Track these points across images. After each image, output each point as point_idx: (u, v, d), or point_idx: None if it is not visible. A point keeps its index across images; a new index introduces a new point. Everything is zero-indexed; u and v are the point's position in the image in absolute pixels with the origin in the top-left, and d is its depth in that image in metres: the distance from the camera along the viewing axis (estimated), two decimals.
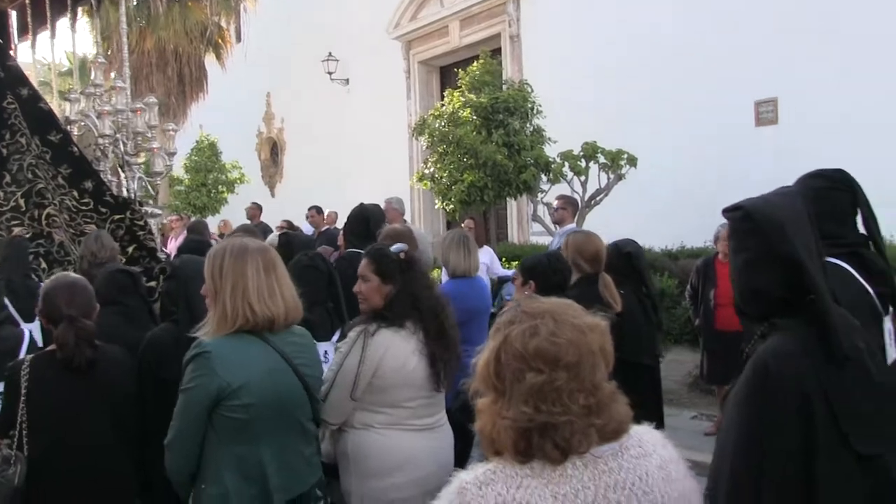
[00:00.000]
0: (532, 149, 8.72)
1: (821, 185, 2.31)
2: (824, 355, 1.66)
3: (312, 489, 2.41)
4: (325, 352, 3.44)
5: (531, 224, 9.58)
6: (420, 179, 9.52)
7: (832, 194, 2.30)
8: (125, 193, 6.13)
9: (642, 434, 1.44)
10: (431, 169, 9.23)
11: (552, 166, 8.48)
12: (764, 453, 1.62)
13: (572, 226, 6.68)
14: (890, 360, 2.08)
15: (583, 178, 8.33)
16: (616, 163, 8.21)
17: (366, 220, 5.00)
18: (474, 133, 8.71)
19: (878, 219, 2.28)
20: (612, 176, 8.30)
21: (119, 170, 6.27)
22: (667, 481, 1.38)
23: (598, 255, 3.85)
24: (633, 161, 8.22)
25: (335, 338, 3.51)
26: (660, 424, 3.81)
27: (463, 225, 8.16)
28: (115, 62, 12.49)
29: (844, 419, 1.63)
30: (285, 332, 2.39)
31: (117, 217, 5.50)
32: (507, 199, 9.40)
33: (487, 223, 10.19)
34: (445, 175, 8.94)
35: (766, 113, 9.90)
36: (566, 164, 8.36)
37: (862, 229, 2.36)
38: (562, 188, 8.23)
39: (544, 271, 3.31)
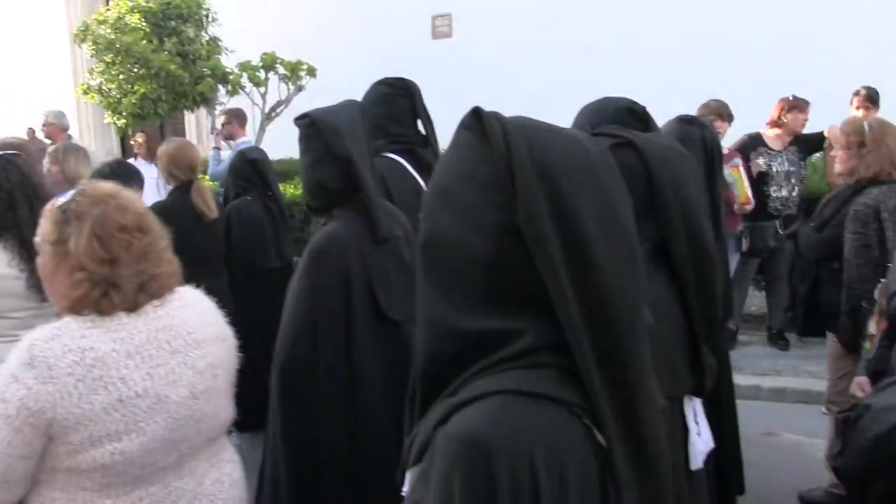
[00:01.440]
0: (208, 59, 8.41)
1: (385, 91, 2.69)
2: (369, 238, 2.01)
3: None
4: None
5: (211, 138, 9.30)
6: (86, 92, 8.71)
7: (394, 99, 2.68)
8: None
9: (184, 291, 1.70)
10: (98, 80, 8.49)
11: (230, 77, 8.27)
12: (319, 315, 1.97)
13: (245, 138, 6.66)
14: None
15: (262, 89, 8.25)
16: (295, 73, 8.24)
17: None
18: (144, 41, 8.14)
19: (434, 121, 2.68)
20: (291, 87, 8.32)
21: None
22: (205, 324, 1.67)
23: (190, 163, 3.96)
24: (312, 72, 8.30)
25: None
26: None
27: (135, 139, 7.70)
28: None
29: (378, 290, 2.00)
30: None
31: None
32: (185, 111, 9.01)
33: (163, 137, 9.65)
34: (114, 87, 8.30)
35: (441, 27, 10.50)
36: (244, 74, 8.20)
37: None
38: (241, 100, 8.10)
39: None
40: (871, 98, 5.32)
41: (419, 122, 2.79)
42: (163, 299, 1.61)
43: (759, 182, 5.15)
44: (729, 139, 5.25)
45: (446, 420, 0.85)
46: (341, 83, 9.49)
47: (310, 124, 2.02)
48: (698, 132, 2.72)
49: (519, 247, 0.84)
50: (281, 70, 8.24)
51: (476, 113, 0.91)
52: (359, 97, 2.96)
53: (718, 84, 6.29)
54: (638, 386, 0.87)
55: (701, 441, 1.65)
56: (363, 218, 2.03)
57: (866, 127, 3.31)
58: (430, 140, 2.73)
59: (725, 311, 2.92)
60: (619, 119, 2.10)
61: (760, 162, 5.15)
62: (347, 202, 2.06)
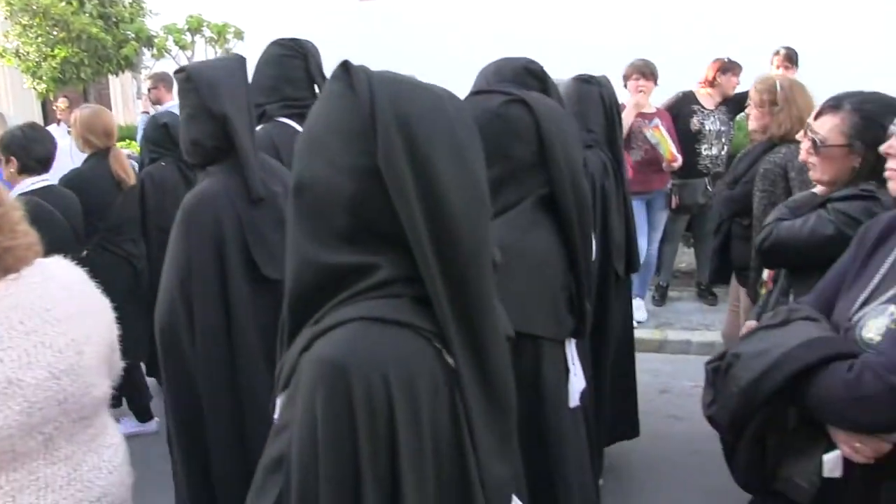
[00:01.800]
0: (132, 21, 8.14)
1: (278, 53, 2.61)
2: (244, 195, 1.98)
3: None
4: None
5: (138, 103, 9.03)
6: (1, 55, 8.34)
7: (288, 61, 2.61)
8: None
9: (48, 263, 1.58)
10: (15, 43, 8.13)
11: (155, 40, 8.02)
12: (192, 273, 1.97)
13: (173, 103, 6.45)
14: None
15: (189, 52, 8.02)
16: (223, 36, 8.03)
17: None
18: (63, 3, 7.82)
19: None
20: (218, 50, 8.11)
21: None
22: (68, 299, 1.55)
23: (106, 129, 3.85)
24: (239, 35, 8.11)
25: None
26: None
27: (57, 104, 7.42)
28: None
29: (254, 249, 1.99)
30: None
31: None
32: (109, 76, 8.71)
33: (87, 102, 9.35)
34: (33, 50, 7.97)
35: None
36: (170, 37, 7.96)
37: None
38: (167, 63, 7.85)
39: (21, 145, 3.29)
40: (790, 57, 5.40)
41: (316, 86, 2.70)
42: (18, 274, 1.50)
43: (692, 140, 5.20)
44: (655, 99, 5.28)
45: (309, 347, 0.92)
46: None
47: (186, 79, 1.95)
48: (596, 90, 2.74)
49: (379, 188, 0.90)
50: (207, 33, 8.02)
51: (345, 66, 0.97)
52: None
53: (650, 43, 6.31)
54: (483, 315, 0.96)
55: (577, 381, 1.75)
56: (239, 175, 1.98)
57: (778, 86, 3.34)
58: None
59: (629, 263, 2.96)
60: (517, 78, 2.13)
61: (694, 121, 5.20)
62: (224, 159, 2.00)
